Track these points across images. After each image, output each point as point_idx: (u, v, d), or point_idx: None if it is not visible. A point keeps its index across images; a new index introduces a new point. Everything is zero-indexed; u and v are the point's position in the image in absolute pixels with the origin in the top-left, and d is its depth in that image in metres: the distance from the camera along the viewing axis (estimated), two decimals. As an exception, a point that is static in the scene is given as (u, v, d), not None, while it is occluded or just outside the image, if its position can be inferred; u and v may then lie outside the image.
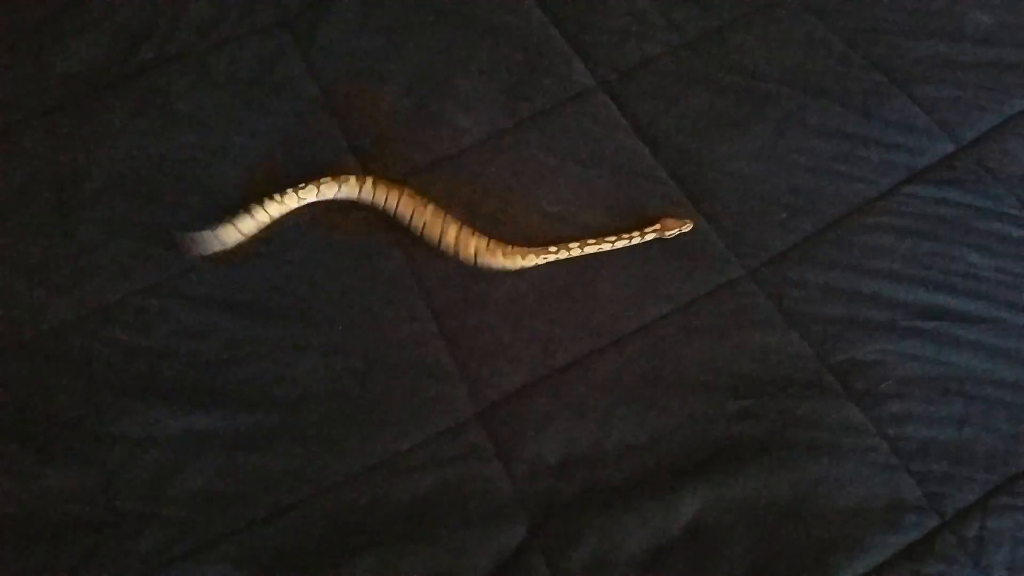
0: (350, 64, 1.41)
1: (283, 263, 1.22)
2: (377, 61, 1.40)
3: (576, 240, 1.18)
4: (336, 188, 1.24)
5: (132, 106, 1.41)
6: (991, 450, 1.01)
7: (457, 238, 1.17)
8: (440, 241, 1.19)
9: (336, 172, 1.25)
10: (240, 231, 1.21)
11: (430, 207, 1.20)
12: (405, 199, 1.21)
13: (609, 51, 1.42)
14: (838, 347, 1.09)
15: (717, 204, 1.24)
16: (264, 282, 1.20)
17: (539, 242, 1.20)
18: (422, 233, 1.20)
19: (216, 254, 1.21)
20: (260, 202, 1.22)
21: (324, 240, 1.23)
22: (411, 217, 1.20)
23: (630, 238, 1.19)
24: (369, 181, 1.24)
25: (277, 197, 1.23)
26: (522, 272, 1.18)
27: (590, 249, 1.18)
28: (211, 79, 1.43)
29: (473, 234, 1.18)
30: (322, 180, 1.24)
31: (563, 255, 1.18)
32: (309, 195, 1.24)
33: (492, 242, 1.18)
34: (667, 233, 1.19)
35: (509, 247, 1.18)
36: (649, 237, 1.19)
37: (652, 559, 0.96)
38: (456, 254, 1.18)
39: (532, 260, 1.18)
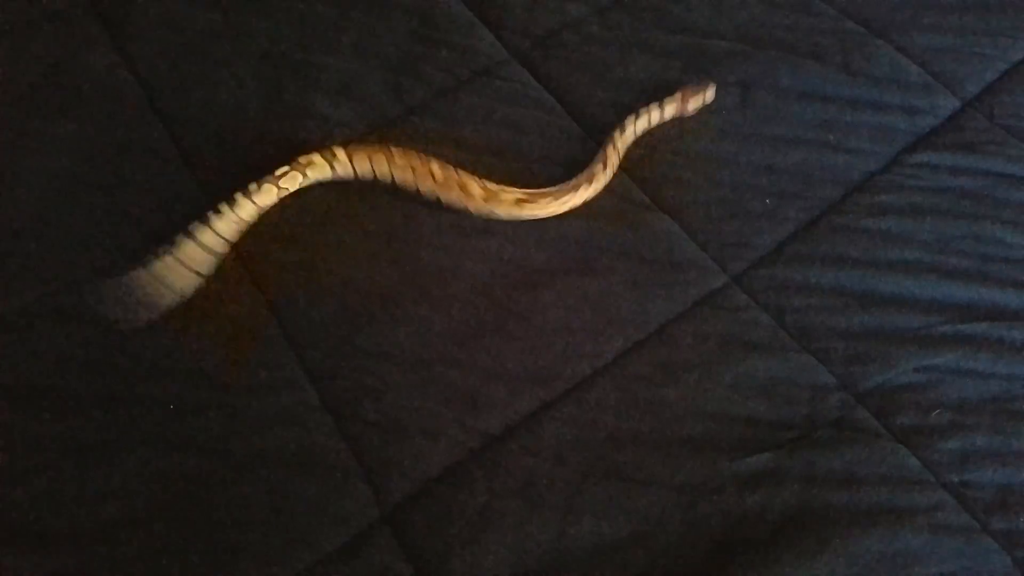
0: (177, 49, 1.05)
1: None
2: (213, 42, 1.05)
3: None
4: (327, 168, 0.90)
5: None
6: (1091, 492, 0.74)
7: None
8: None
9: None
10: (189, 265, 0.83)
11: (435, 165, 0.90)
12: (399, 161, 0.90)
13: (520, 15, 1.12)
14: (867, 369, 0.81)
15: (682, 195, 0.95)
16: (51, 361, 0.83)
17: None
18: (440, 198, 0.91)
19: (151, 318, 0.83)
20: (214, 212, 0.84)
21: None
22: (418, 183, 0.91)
23: (648, 121, 0.96)
24: (342, 152, 0.91)
25: (240, 197, 0.86)
26: (429, 297, 0.86)
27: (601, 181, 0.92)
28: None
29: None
30: (302, 160, 0.89)
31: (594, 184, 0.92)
32: (292, 183, 0.89)
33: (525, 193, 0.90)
34: (690, 107, 0.98)
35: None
36: (670, 114, 0.97)
37: None
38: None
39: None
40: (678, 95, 0.98)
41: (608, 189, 0.96)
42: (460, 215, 0.92)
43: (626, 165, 0.97)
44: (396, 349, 0.84)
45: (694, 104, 0.99)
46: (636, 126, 0.97)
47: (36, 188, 0.95)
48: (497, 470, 0.76)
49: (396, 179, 0.91)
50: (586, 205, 0.94)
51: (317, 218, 0.92)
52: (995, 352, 0.82)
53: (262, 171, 0.92)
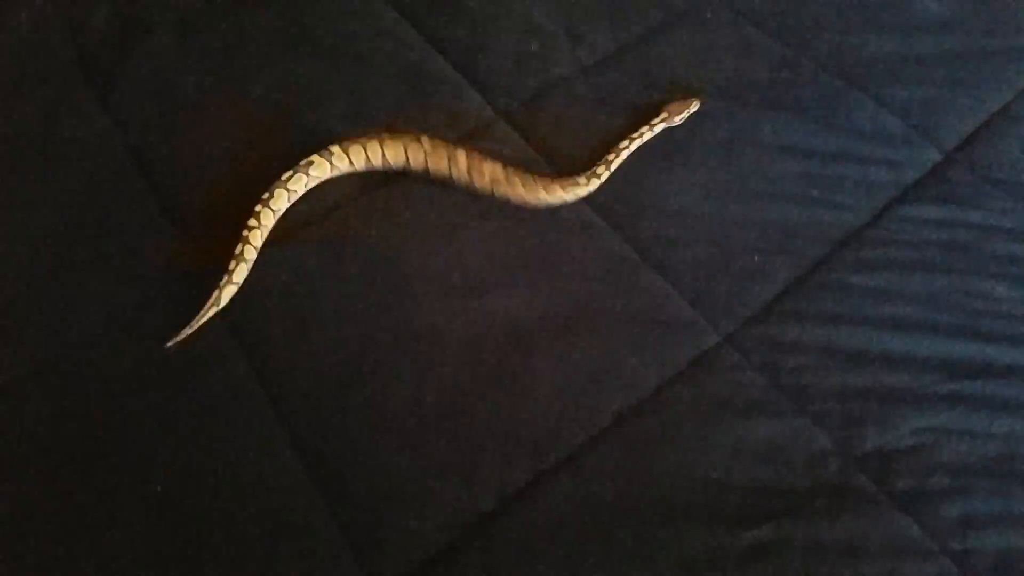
0: (165, 111, 1.04)
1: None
2: (202, 104, 1.05)
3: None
4: (328, 167, 0.96)
5: None
6: (1094, 554, 0.73)
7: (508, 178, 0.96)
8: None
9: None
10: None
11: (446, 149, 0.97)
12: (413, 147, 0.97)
13: (507, 75, 1.12)
14: (864, 432, 0.80)
15: (671, 252, 0.95)
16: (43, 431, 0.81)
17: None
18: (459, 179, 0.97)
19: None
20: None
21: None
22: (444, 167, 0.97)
23: (640, 136, 1.02)
24: (337, 148, 0.97)
25: (259, 207, 0.92)
26: (420, 359, 0.85)
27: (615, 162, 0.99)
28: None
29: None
30: (302, 163, 0.95)
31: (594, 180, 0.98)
32: (298, 185, 0.95)
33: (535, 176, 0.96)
34: (676, 119, 1.04)
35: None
36: (658, 128, 1.03)
37: None
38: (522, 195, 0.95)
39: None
40: (664, 112, 1.04)
41: (596, 247, 0.96)
42: (450, 274, 0.92)
43: (614, 223, 0.97)
44: (387, 416, 0.83)
45: (680, 117, 1.04)
46: (632, 143, 1.02)
47: (24, 253, 0.95)
48: (492, 547, 0.74)
49: (390, 162, 0.97)
50: (576, 263, 0.93)
51: (307, 281, 0.91)
52: (991, 410, 0.81)
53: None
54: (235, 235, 0.91)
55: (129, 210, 0.96)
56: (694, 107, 1.05)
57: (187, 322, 0.85)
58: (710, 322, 0.89)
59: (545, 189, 0.96)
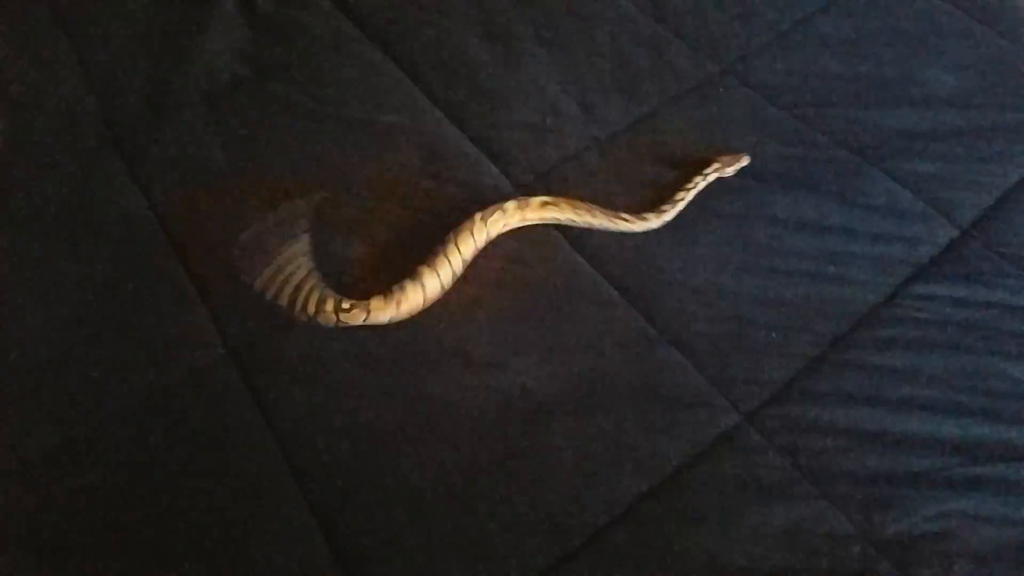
0: (194, 184, 1.07)
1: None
2: (230, 177, 1.07)
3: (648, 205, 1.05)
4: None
5: None
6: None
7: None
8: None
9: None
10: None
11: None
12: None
13: (524, 149, 1.15)
14: (886, 517, 0.80)
15: (688, 327, 0.96)
16: (68, 509, 0.82)
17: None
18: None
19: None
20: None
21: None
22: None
23: (694, 186, 1.06)
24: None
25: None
26: (437, 434, 0.86)
27: (672, 209, 1.05)
28: (11, 217, 1.06)
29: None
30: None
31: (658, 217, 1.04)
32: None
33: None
34: (728, 170, 1.08)
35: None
36: (712, 177, 1.08)
37: None
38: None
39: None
40: (717, 163, 1.09)
41: (614, 321, 0.96)
42: (468, 347, 0.93)
43: (631, 297, 0.98)
44: (404, 490, 0.83)
45: (732, 169, 1.09)
46: (693, 188, 1.06)
47: (55, 327, 0.96)
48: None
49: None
50: (594, 337, 0.94)
51: (327, 352, 0.92)
52: (1013, 495, 0.81)
53: (275, 305, 0.93)
54: (261, 308, 0.93)
55: (158, 282, 0.97)
56: (744, 161, 1.10)
57: (212, 401, 0.87)
58: (730, 401, 0.89)
59: (620, 219, 1.02)
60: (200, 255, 1.00)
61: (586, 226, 1.04)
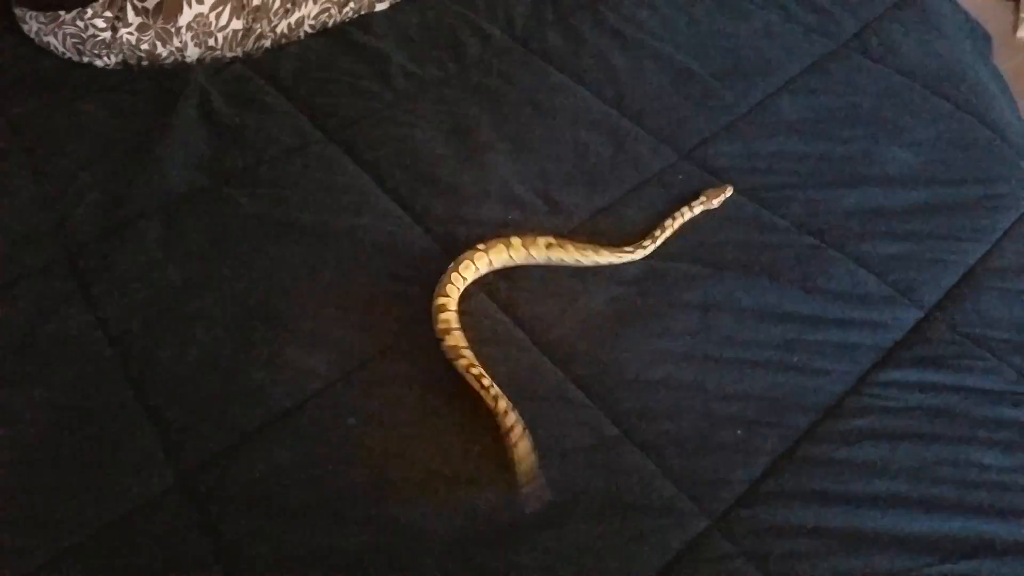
0: (150, 306, 1.06)
1: None
2: (186, 296, 1.06)
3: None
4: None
5: None
6: None
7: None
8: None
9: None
10: None
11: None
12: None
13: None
14: (859, 624, 0.77)
15: (653, 427, 0.94)
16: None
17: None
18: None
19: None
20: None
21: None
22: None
23: (681, 216, 1.14)
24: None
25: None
26: (400, 561, 0.83)
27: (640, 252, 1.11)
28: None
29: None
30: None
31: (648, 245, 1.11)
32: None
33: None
34: (714, 201, 1.16)
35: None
36: (698, 210, 1.15)
37: None
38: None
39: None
40: (703, 197, 1.16)
41: (579, 424, 0.95)
42: (431, 463, 0.91)
43: (595, 395, 0.97)
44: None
45: (718, 200, 1.16)
46: (676, 222, 1.14)
47: (4, 464, 0.94)
48: None
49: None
50: (559, 444, 0.92)
51: (281, 474, 0.90)
52: (990, 596, 0.78)
53: (231, 430, 0.92)
54: (222, 429, 0.91)
55: (110, 408, 0.95)
56: (728, 192, 1.17)
57: (162, 534, 0.85)
58: (697, 505, 0.87)
59: (596, 252, 1.09)
60: (152, 379, 0.98)
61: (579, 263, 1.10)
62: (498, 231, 1.15)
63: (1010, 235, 1.13)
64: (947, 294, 1.06)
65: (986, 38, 1.71)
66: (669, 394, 0.97)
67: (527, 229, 1.16)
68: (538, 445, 0.91)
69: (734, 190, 1.19)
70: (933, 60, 1.46)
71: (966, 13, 1.71)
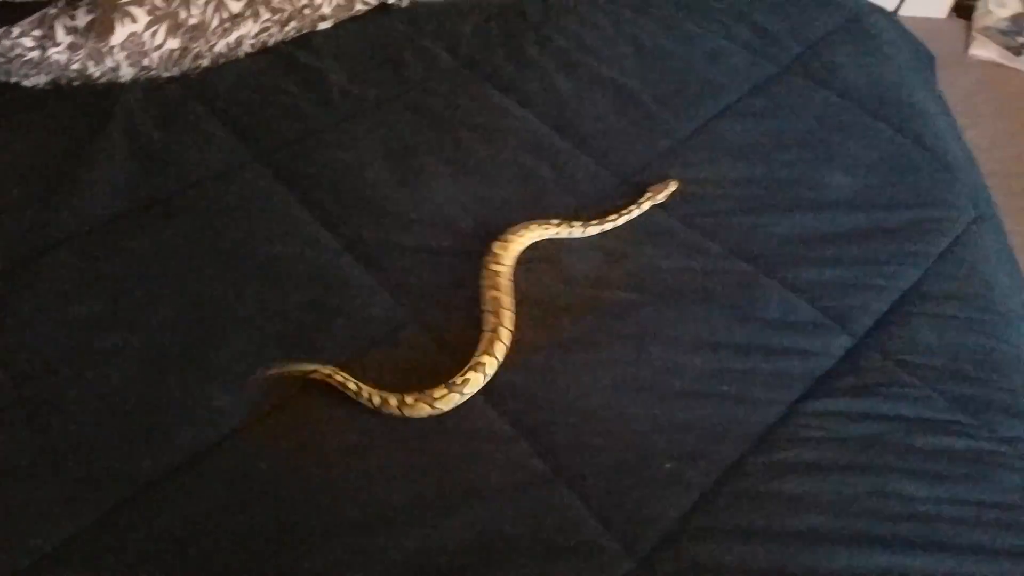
0: (59, 343, 1.00)
1: None
2: (98, 332, 1.01)
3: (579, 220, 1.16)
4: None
5: None
6: None
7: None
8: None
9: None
10: None
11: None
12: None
13: (418, 276, 1.12)
14: (782, 667, 0.75)
15: (583, 460, 0.92)
16: None
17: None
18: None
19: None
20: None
21: None
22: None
23: (628, 212, 1.17)
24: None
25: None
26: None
27: (592, 230, 1.16)
28: None
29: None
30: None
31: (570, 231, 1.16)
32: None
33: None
34: (659, 197, 1.19)
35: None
36: (646, 206, 1.18)
37: None
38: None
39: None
40: (649, 192, 1.19)
41: (507, 462, 0.92)
42: (346, 508, 0.87)
43: (525, 429, 0.95)
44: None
45: (663, 196, 1.19)
46: (621, 218, 1.16)
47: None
48: None
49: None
50: (486, 483, 0.90)
51: (188, 528, 0.85)
52: (913, 634, 0.77)
53: (133, 480, 0.88)
54: (123, 478, 0.88)
55: (9, 455, 0.90)
56: (673, 187, 1.20)
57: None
58: (623, 544, 0.85)
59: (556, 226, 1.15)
60: (58, 427, 0.93)
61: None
62: (428, 257, 1.13)
63: (943, 259, 1.13)
64: (879, 320, 1.05)
65: (930, 58, 1.72)
66: (600, 426, 0.95)
67: (460, 256, 1.14)
68: (463, 486, 0.89)
69: (673, 215, 1.18)
70: (874, 83, 1.47)
71: (911, 34, 1.73)
